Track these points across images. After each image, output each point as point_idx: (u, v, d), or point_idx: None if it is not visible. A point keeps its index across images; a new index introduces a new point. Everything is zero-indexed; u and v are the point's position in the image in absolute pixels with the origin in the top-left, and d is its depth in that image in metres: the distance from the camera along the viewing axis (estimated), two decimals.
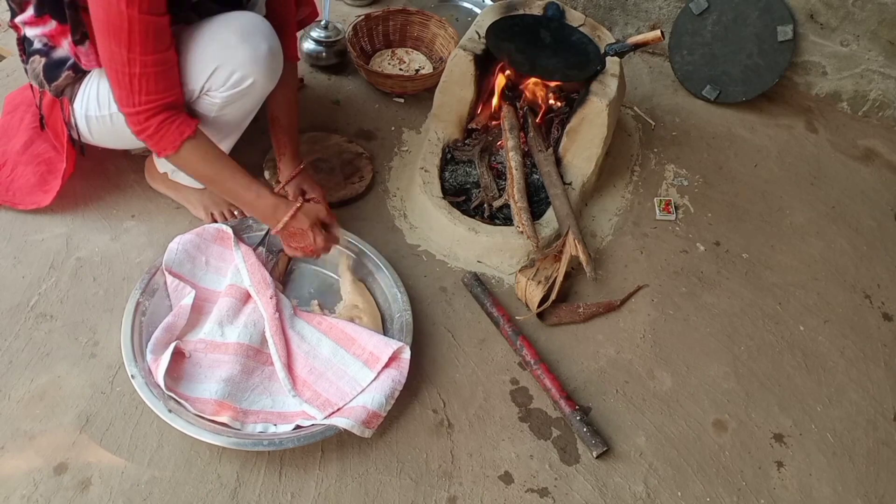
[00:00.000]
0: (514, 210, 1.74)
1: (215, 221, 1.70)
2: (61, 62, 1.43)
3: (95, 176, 1.74)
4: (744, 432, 1.56)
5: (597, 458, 1.45)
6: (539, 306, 1.63)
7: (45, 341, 1.45)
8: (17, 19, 1.43)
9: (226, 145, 1.60)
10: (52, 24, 1.40)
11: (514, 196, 1.76)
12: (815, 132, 2.40)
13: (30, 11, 1.40)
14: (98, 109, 1.46)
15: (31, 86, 1.55)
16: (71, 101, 1.48)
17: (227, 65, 1.38)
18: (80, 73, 1.44)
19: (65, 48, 1.42)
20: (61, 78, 1.44)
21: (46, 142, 1.66)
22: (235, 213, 1.71)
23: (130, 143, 1.49)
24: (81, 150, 1.60)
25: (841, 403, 1.64)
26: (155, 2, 1.25)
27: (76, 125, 1.52)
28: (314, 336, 1.49)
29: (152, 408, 1.31)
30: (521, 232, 1.71)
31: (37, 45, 1.44)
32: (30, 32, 1.43)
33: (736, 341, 1.73)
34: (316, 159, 1.88)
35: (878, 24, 2.28)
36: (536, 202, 1.88)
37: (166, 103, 1.33)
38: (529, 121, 1.93)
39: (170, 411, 1.30)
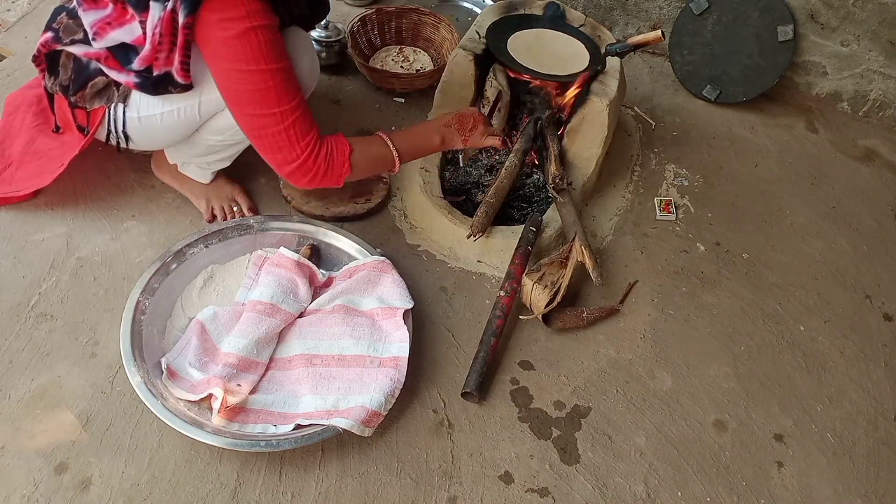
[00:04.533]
0: (483, 201, 1.74)
1: (215, 216, 1.71)
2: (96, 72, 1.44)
3: (95, 176, 1.74)
4: (744, 432, 1.56)
5: (462, 396, 1.49)
6: (544, 308, 1.63)
7: (45, 341, 1.45)
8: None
9: (234, 151, 1.64)
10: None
11: (489, 191, 1.76)
12: (816, 132, 2.40)
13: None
14: (161, 106, 1.46)
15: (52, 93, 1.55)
16: (113, 103, 1.47)
17: None
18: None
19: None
20: (88, 87, 1.45)
21: (48, 137, 1.66)
22: (234, 209, 1.72)
23: (184, 136, 1.54)
24: (118, 148, 1.59)
25: (841, 403, 1.64)
26: (280, 47, 1.27)
27: (122, 129, 1.51)
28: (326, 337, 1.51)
29: (152, 408, 1.31)
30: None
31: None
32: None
33: (736, 341, 1.73)
34: None
35: (879, 24, 2.27)
36: (537, 202, 1.88)
37: (318, 136, 1.34)
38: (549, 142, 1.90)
39: (170, 411, 1.30)
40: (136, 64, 1.35)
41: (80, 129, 1.55)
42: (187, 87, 1.39)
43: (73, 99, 1.48)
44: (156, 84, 1.38)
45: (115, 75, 1.41)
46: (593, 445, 1.48)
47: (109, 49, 1.38)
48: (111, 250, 1.63)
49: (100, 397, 1.39)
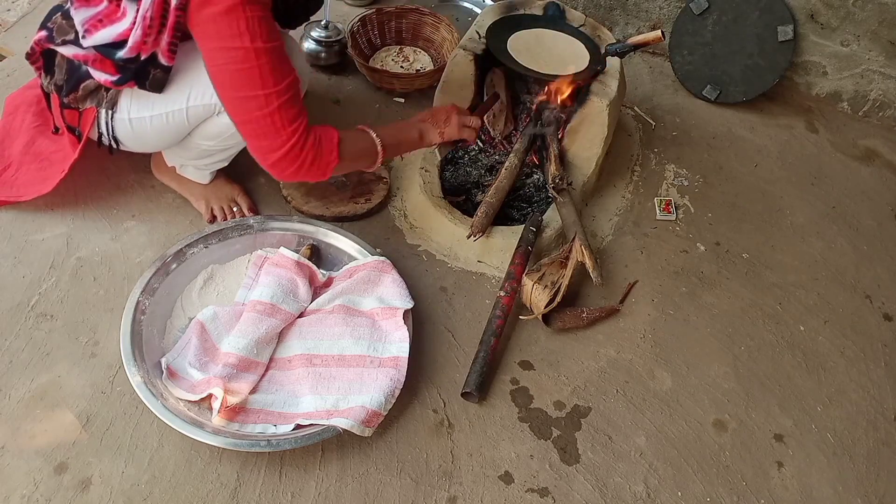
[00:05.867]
0: (483, 201, 1.74)
1: (215, 217, 1.71)
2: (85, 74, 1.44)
3: (95, 176, 1.74)
4: (744, 432, 1.56)
5: (462, 396, 1.50)
6: (544, 308, 1.63)
7: (45, 341, 1.45)
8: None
9: (229, 153, 1.65)
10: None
11: (489, 191, 1.76)
12: (816, 132, 2.40)
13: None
14: (151, 109, 1.46)
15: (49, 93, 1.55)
16: (102, 107, 1.48)
17: None
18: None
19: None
20: (80, 89, 1.45)
21: (48, 139, 1.66)
22: (234, 209, 1.72)
23: (175, 140, 1.54)
24: (110, 151, 1.60)
25: (841, 403, 1.64)
26: (270, 26, 1.24)
27: (112, 133, 1.51)
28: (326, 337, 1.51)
29: (152, 408, 1.31)
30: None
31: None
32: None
33: (736, 341, 1.73)
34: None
35: (879, 24, 2.28)
36: (537, 202, 1.88)
37: (306, 121, 1.31)
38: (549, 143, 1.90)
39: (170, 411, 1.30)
40: (126, 52, 1.34)
41: (70, 130, 1.56)
42: (167, 70, 1.38)
43: (65, 100, 1.48)
44: (138, 73, 1.37)
45: (100, 76, 1.41)
46: (593, 445, 1.48)
47: (97, 48, 1.38)
48: (111, 250, 1.63)
49: (100, 397, 1.39)
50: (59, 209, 1.67)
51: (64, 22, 1.43)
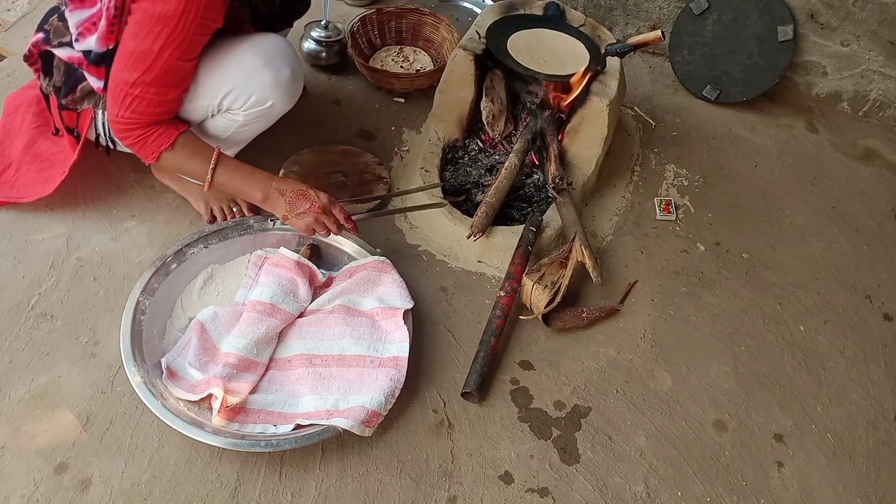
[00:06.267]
0: (483, 201, 1.74)
1: (214, 217, 1.70)
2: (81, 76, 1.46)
3: (96, 176, 1.74)
4: (744, 432, 1.56)
5: (462, 396, 1.49)
6: (544, 308, 1.63)
7: (45, 341, 1.45)
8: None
9: (231, 153, 1.64)
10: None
11: (489, 191, 1.76)
12: (816, 132, 2.40)
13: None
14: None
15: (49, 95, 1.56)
16: (98, 108, 1.50)
17: (248, 87, 1.43)
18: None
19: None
20: (78, 90, 1.46)
21: (49, 140, 1.66)
22: (234, 209, 1.72)
23: None
24: (107, 151, 1.61)
25: (841, 403, 1.64)
26: (192, 50, 1.31)
27: (109, 134, 1.54)
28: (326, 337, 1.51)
29: (152, 408, 1.31)
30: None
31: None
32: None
33: (736, 341, 1.73)
34: (334, 172, 1.87)
35: (879, 24, 2.27)
36: (537, 202, 1.88)
37: (148, 122, 1.36)
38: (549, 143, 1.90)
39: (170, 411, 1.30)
40: (97, 46, 1.38)
41: (69, 131, 1.56)
42: None
43: (63, 101, 1.49)
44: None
45: (93, 81, 1.44)
46: (593, 445, 1.48)
47: (84, 54, 1.41)
48: (111, 250, 1.63)
49: (100, 397, 1.39)
50: (59, 209, 1.67)
51: (60, 24, 1.43)
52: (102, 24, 1.34)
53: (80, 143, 1.55)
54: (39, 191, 1.63)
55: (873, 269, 1.96)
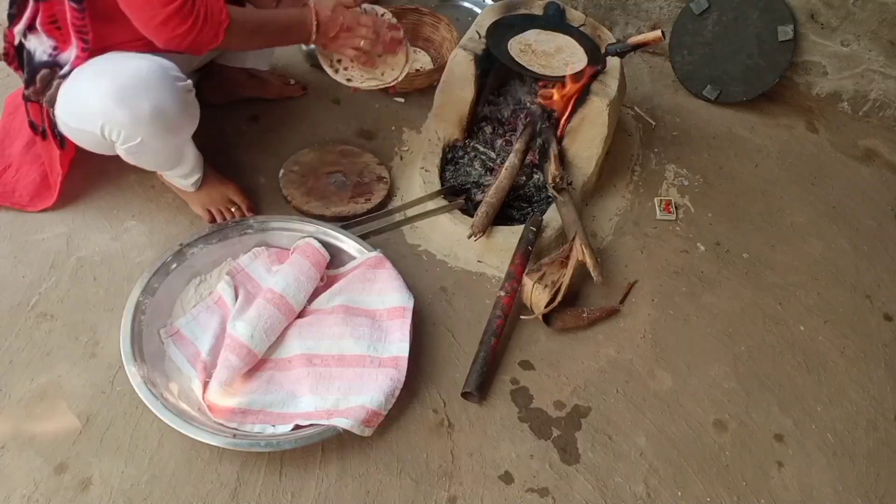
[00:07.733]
0: (483, 201, 1.74)
1: (213, 219, 1.70)
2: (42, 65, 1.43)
3: (96, 176, 1.74)
4: (744, 432, 1.56)
5: (462, 395, 1.49)
6: (544, 308, 1.63)
7: (45, 341, 1.45)
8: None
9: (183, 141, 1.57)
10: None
11: (490, 191, 1.76)
12: (816, 132, 2.40)
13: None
14: (79, 122, 1.42)
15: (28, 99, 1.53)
16: (52, 105, 1.45)
17: (111, 124, 1.36)
18: (56, 71, 1.43)
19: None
20: (37, 81, 1.43)
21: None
22: (233, 209, 1.71)
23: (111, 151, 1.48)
24: (61, 146, 1.56)
25: (841, 403, 1.64)
26: None
27: (56, 129, 1.50)
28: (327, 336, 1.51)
29: (152, 408, 1.31)
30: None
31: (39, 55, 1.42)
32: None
33: (736, 341, 1.73)
34: (334, 172, 1.87)
35: (879, 23, 2.27)
36: (537, 202, 1.88)
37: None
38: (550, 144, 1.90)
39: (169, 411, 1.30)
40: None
41: (32, 126, 1.54)
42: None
43: (26, 92, 1.48)
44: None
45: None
46: (593, 445, 1.48)
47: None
48: (111, 250, 1.63)
49: (100, 397, 1.39)
50: (59, 209, 1.67)
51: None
52: None
53: (57, 143, 1.53)
54: (42, 202, 1.64)
55: (873, 270, 1.96)
